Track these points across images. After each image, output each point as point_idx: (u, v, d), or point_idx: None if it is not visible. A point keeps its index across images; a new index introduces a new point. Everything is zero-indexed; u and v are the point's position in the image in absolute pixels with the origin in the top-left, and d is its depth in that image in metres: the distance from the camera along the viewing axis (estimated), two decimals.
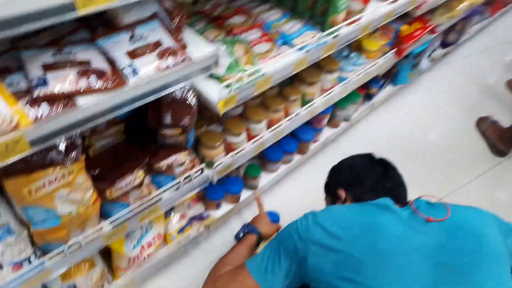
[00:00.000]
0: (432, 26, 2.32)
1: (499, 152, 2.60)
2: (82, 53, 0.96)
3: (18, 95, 0.86)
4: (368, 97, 2.52)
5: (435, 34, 2.44)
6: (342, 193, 1.34)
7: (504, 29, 3.76)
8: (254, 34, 1.50)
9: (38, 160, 0.95)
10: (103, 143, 1.29)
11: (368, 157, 1.44)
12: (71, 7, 0.73)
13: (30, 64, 0.90)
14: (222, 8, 1.57)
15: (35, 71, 0.88)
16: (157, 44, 1.04)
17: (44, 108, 0.86)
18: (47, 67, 0.89)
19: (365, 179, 1.33)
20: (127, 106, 0.99)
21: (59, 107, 0.87)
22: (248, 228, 1.54)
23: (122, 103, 0.98)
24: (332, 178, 1.49)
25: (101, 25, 1.07)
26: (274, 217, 1.88)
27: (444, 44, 3.04)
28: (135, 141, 1.37)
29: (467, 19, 2.95)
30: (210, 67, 1.16)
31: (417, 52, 2.51)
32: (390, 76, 2.59)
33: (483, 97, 3.04)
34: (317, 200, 1.61)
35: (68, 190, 1.05)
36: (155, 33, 1.05)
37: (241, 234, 1.54)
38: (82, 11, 0.75)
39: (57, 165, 0.98)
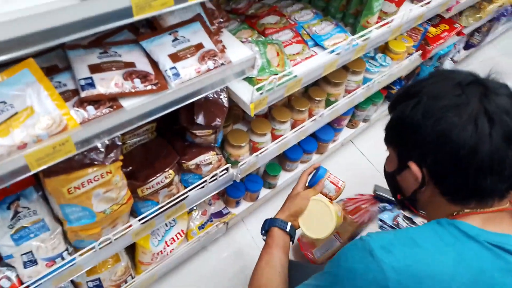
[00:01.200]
0: (460, 28, 2.29)
1: None
2: (127, 55, 0.96)
3: (65, 95, 0.86)
4: (390, 98, 2.50)
5: (462, 36, 2.40)
6: (416, 170, 0.89)
7: None
8: (286, 35, 1.50)
9: (79, 160, 0.95)
10: (135, 140, 1.30)
11: (460, 88, 0.85)
12: (129, 12, 0.72)
13: (77, 64, 0.89)
14: (256, 6, 1.55)
15: (82, 71, 0.88)
16: (199, 47, 1.03)
17: (90, 110, 0.86)
18: (94, 68, 0.89)
19: (459, 148, 0.81)
20: (169, 108, 1.00)
21: (105, 109, 0.87)
22: (263, 227, 1.29)
23: (164, 105, 0.98)
24: (397, 131, 0.95)
25: (143, 25, 1.07)
26: (311, 180, 1.41)
27: (467, 46, 3.00)
28: (165, 139, 1.37)
29: (494, 20, 2.90)
30: (247, 70, 1.16)
31: (442, 54, 2.48)
32: (412, 77, 2.56)
33: None
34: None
35: (105, 189, 1.05)
36: (197, 35, 1.04)
37: (263, 232, 1.29)
38: (137, 16, 0.75)
39: (97, 164, 0.99)
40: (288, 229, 1.23)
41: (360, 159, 2.48)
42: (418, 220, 1.43)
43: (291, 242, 1.25)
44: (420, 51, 2.22)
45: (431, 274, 0.76)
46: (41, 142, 0.79)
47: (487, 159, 0.79)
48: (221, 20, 1.13)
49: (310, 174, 1.41)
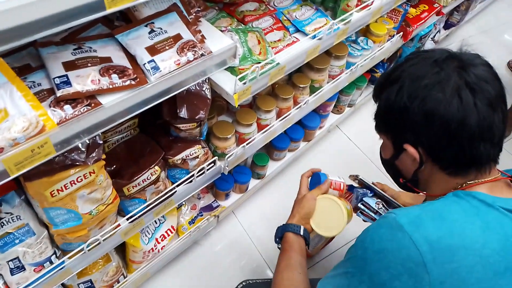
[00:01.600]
0: (439, 7, 2.29)
1: None
2: (102, 50, 0.92)
3: (40, 95, 0.83)
4: (373, 81, 2.50)
5: (441, 16, 2.41)
6: (412, 151, 0.91)
7: (504, 9, 3.75)
8: (266, 22, 1.47)
9: (60, 161, 0.92)
10: (117, 138, 1.27)
11: (437, 65, 0.88)
12: (101, 5, 0.69)
13: (50, 62, 0.86)
14: None
15: (56, 70, 0.85)
16: (177, 38, 1.00)
17: (67, 109, 0.83)
18: (69, 65, 0.86)
19: (447, 122, 0.83)
20: (150, 103, 0.97)
21: (83, 107, 0.84)
22: (278, 233, 1.28)
23: (144, 101, 0.95)
24: (386, 118, 0.97)
25: (117, 18, 1.03)
26: (312, 182, 1.41)
27: (447, 25, 3.02)
28: (149, 135, 1.34)
29: None
30: (228, 60, 1.13)
31: (422, 35, 2.49)
32: (395, 59, 2.57)
33: None
34: None
35: (89, 190, 1.02)
36: (174, 26, 1.02)
37: (277, 240, 1.29)
38: (110, 9, 0.72)
39: (79, 165, 0.96)
40: (302, 232, 1.23)
41: (347, 144, 2.49)
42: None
43: (306, 246, 1.25)
44: (401, 33, 2.21)
45: (464, 244, 0.77)
46: (18, 145, 0.76)
47: (476, 128, 0.82)
48: (198, 9, 1.10)
49: (309, 177, 1.42)
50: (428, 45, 2.77)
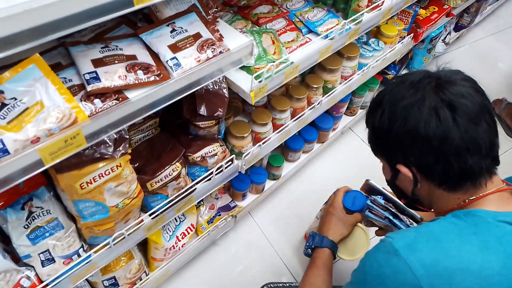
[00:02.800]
0: (449, 9, 2.32)
1: None
2: (128, 48, 0.98)
3: (72, 90, 0.88)
4: (385, 83, 2.53)
5: (451, 17, 2.43)
6: (405, 171, 0.94)
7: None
8: (279, 24, 1.52)
9: (89, 154, 0.97)
10: (139, 136, 1.32)
11: (413, 87, 0.91)
12: (130, 1, 0.75)
13: (80, 59, 0.92)
14: None
15: (86, 66, 0.91)
16: (197, 37, 1.05)
17: (97, 103, 0.88)
18: (97, 63, 0.91)
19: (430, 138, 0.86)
20: (173, 98, 1.02)
21: (111, 101, 0.89)
22: (314, 242, 1.30)
23: (168, 96, 1.00)
24: (377, 142, 1.02)
25: (140, 20, 1.09)
26: (351, 202, 1.42)
27: (457, 27, 3.04)
28: (168, 133, 1.39)
29: (482, 0, 2.94)
30: (246, 58, 1.18)
31: (433, 36, 2.51)
32: (406, 61, 2.59)
33: (495, 80, 3.05)
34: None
35: (116, 183, 1.07)
36: (194, 25, 1.07)
37: (309, 251, 1.32)
38: (137, 5, 0.77)
39: (107, 158, 1.01)
40: (336, 253, 1.30)
41: (361, 145, 2.51)
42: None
43: None
44: (412, 34, 2.25)
45: (461, 266, 0.77)
46: (53, 136, 0.81)
47: (460, 142, 0.84)
48: (216, 9, 1.16)
49: (344, 193, 1.45)
50: (439, 47, 2.80)
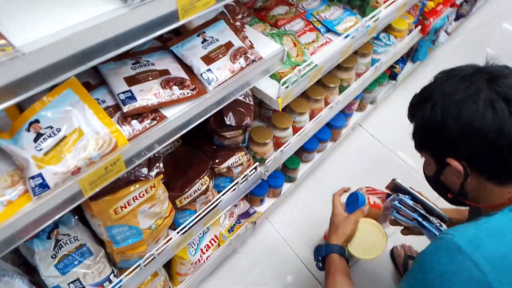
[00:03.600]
0: None
1: None
2: (159, 62, 0.91)
3: (107, 112, 0.81)
4: (393, 77, 2.50)
5: (455, 8, 2.40)
6: (456, 164, 0.92)
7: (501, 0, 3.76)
8: (298, 24, 1.47)
9: (124, 178, 0.91)
10: (162, 150, 1.25)
11: (466, 80, 0.90)
12: (175, 16, 0.68)
13: (112, 78, 0.85)
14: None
15: (119, 85, 0.84)
16: (228, 45, 0.99)
17: (135, 124, 0.82)
18: (131, 80, 0.85)
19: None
20: (208, 112, 0.96)
21: (149, 121, 0.83)
22: (320, 254, 1.27)
23: (204, 110, 0.94)
24: (424, 136, 0.99)
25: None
26: (353, 201, 1.40)
27: (457, 16, 3.02)
28: (192, 145, 1.33)
29: None
30: (276, 65, 1.12)
31: (437, 27, 2.48)
32: (411, 53, 2.56)
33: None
34: (356, 184, 1.56)
35: (150, 204, 1.01)
36: (224, 34, 1.01)
37: (320, 264, 1.29)
38: (183, 20, 0.71)
39: (141, 180, 0.94)
40: (346, 254, 1.25)
41: (371, 140, 2.47)
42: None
43: None
44: (419, 27, 2.21)
45: None
46: (94, 164, 0.74)
47: None
48: (243, 15, 1.09)
49: (340, 195, 1.43)
50: (442, 37, 2.77)
